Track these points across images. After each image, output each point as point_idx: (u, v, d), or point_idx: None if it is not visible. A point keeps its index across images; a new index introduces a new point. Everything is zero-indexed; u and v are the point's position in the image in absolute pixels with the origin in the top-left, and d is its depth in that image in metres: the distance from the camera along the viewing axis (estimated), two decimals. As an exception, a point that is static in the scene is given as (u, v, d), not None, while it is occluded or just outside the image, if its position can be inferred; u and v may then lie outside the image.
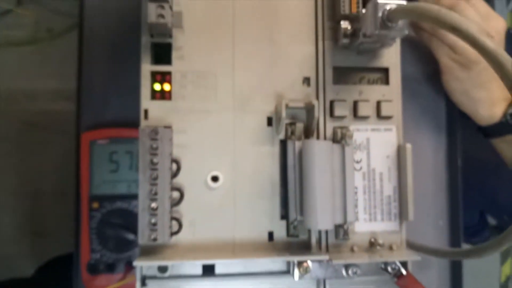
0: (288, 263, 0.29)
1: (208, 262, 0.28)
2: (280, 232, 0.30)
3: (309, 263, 0.28)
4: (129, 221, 0.45)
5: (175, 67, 0.30)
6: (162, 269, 0.27)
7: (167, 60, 0.30)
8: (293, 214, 0.29)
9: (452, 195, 0.47)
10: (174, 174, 0.29)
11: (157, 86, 0.29)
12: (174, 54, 0.30)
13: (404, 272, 0.29)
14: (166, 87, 0.30)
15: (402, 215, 0.31)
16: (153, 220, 0.27)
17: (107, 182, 0.45)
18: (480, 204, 0.64)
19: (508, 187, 0.58)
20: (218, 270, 0.28)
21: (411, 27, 0.44)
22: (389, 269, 0.29)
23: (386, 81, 0.31)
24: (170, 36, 0.29)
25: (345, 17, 0.29)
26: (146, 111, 0.29)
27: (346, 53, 0.31)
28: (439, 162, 0.47)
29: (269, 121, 0.30)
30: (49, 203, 1.01)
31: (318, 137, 0.30)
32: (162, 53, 0.30)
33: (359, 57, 0.31)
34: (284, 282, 0.29)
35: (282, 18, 0.31)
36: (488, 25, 0.41)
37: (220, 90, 0.30)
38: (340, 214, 0.28)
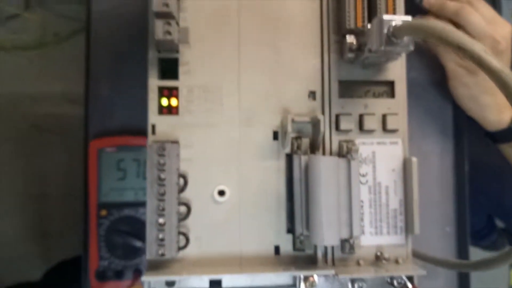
0: (295, 277, 0.29)
1: (215, 277, 0.28)
2: (286, 246, 0.30)
3: (315, 277, 0.28)
4: (137, 228, 0.45)
5: (182, 82, 0.30)
6: (170, 283, 0.28)
7: (174, 75, 0.30)
8: (299, 228, 0.29)
9: (459, 201, 0.47)
10: (181, 189, 0.29)
11: (164, 101, 0.30)
12: (181, 69, 0.30)
13: (410, 286, 0.29)
14: (173, 102, 0.30)
15: (408, 228, 0.31)
16: (160, 236, 0.27)
17: (115, 190, 0.46)
18: (487, 207, 0.64)
19: (515, 191, 0.58)
20: (225, 284, 0.29)
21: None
22: (395, 283, 0.29)
23: (392, 94, 0.31)
24: (177, 51, 0.30)
25: (351, 31, 0.29)
26: (153, 126, 0.30)
27: (352, 66, 0.31)
28: (446, 168, 0.47)
29: (275, 135, 0.30)
30: (56, 205, 1.02)
31: (324, 151, 0.30)
32: (169, 68, 0.30)
33: (364, 70, 0.31)
34: (290, 296, 0.29)
35: (287, 32, 0.31)
36: (494, 30, 0.41)
37: (226, 104, 0.30)
38: (346, 229, 0.29)
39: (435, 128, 0.47)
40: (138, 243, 0.44)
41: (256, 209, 0.30)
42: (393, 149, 0.31)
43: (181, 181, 0.29)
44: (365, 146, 0.31)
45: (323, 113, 0.31)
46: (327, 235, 0.27)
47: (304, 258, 0.30)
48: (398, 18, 0.25)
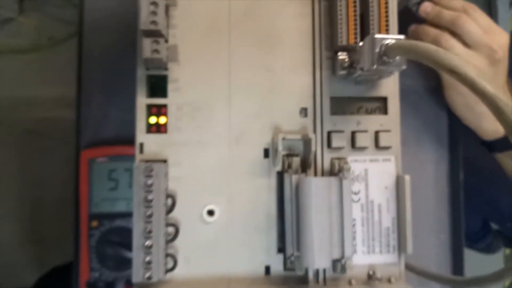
0: (285, 299, 0.28)
1: (204, 299, 0.27)
2: (277, 265, 0.29)
3: (306, 299, 0.27)
4: (128, 239, 0.45)
5: (170, 99, 0.29)
6: (158, 306, 0.27)
7: (163, 93, 0.29)
8: (290, 249, 0.28)
9: (454, 209, 0.47)
10: (169, 210, 0.28)
11: (152, 119, 0.29)
12: (170, 87, 0.29)
13: (403, 307, 0.28)
14: (162, 120, 0.29)
15: (401, 247, 0.30)
16: (147, 259, 0.27)
17: (106, 200, 0.45)
18: (482, 211, 0.64)
19: (510, 195, 0.58)
20: (214, 306, 0.28)
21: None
22: (388, 304, 0.28)
23: (385, 111, 0.31)
24: (166, 68, 0.29)
25: (343, 48, 0.29)
26: (141, 145, 0.29)
27: (344, 83, 0.30)
28: (441, 176, 0.47)
29: (266, 153, 0.30)
30: (50, 210, 1.01)
31: (315, 169, 0.30)
32: (158, 85, 0.29)
33: (357, 86, 0.31)
34: (281, 317, 0.28)
35: (278, 48, 0.30)
36: (490, 39, 0.41)
37: (216, 122, 0.30)
38: (337, 249, 0.28)
39: (430, 136, 0.47)
40: (129, 254, 0.44)
41: (246, 229, 0.29)
42: (386, 166, 0.31)
43: (169, 201, 0.29)
44: (357, 164, 0.30)
45: (314, 130, 0.30)
46: (318, 257, 0.26)
47: (295, 278, 0.29)
48: (391, 37, 0.25)
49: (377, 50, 0.25)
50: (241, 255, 0.29)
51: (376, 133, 0.30)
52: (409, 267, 0.32)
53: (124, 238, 0.44)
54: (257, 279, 0.29)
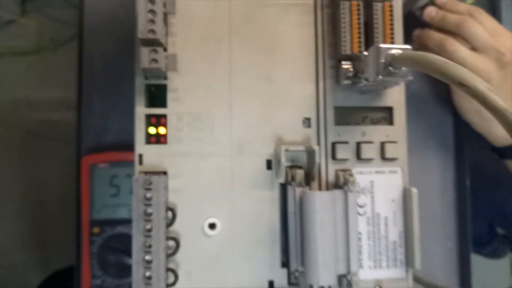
0: (289, 315, 0.28)
1: (205, 316, 0.27)
2: (281, 280, 0.29)
3: (310, 315, 0.26)
4: (130, 246, 0.44)
5: (170, 109, 0.29)
6: (157, 323, 0.26)
7: (162, 102, 0.29)
8: (294, 264, 0.27)
9: (461, 216, 0.46)
10: (170, 223, 0.28)
11: (152, 130, 0.28)
12: (170, 96, 0.29)
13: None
14: (161, 130, 0.28)
15: (408, 261, 0.29)
16: (147, 274, 0.26)
17: (107, 207, 0.45)
18: (488, 215, 0.63)
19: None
20: (215, 322, 0.27)
21: (416, 45, 0.43)
22: (394, 320, 0.27)
23: (391, 121, 0.30)
24: (165, 77, 0.28)
25: (347, 57, 0.28)
26: (140, 156, 0.28)
27: (348, 92, 0.30)
28: (447, 182, 0.47)
29: (269, 164, 0.29)
30: (53, 212, 1.01)
31: (320, 181, 0.29)
32: (157, 95, 0.29)
33: (361, 96, 0.30)
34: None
35: (280, 56, 0.29)
36: (498, 42, 0.40)
37: (217, 132, 0.29)
38: (343, 264, 0.27)
39: (435, 141, 0.47)
40: (131, 261, 0.43)
41: (249, 242, 0.29)
42: (393, 178, 0.30)
43: (169, 214, 0.28)
44: (363, 176, 0.29)
45: (318, 141, 0.29)
46: (323, 274, 0.25)
47: (299, 294, 0.29)
48: (397, 47, 0.24)
49: (382, 60, 0.24)
50: (244, 269, 0.28)
51: (382, 144, 0.30)
52: (417, 279, 0.31)
53: (126, 245, 0.44)
54: (260, 294, 0.28)
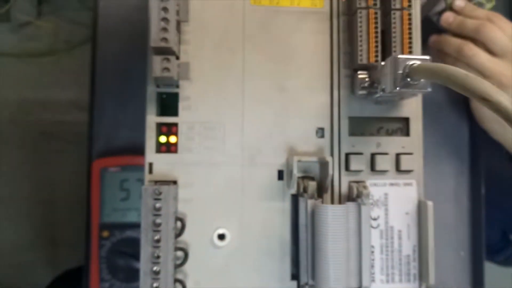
0: (299, 330, 0.27)
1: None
2: (290, 293, 0.28)
3: (321, 331, 0.26)
4: (139, 250, 0.44)
5: (181, 118, 0.28)
6: (165, 335, 0.26)
7: (174, 111, 0.28)
8: (304, 277, 0.27)
9: (475, 225, 0.45)
10: (179, 233, 0.27)
11: (162, 139, 0.28)
12: (181, 105, 0.28)
13: None
14: (172, 139, 0.28)
15: (422, 277, 0.28)
16: (155, 285, 0.25)
17: (117, 210, 0.45)
18: (502, 222, 0.62)
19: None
20: (224, 335, 0.27)
21: (433, 50, 0.42)
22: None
23: (407, 132, 0.29)
24: (177, 86, 0.28)
25: (363, 67, 0.27)
26: (151, 165, 0.28)
27: (363, 102, 0.29)
28: (461, 190, 0.46)
29: (280, 175, 0.29)
30: (63, 212, 1.02)
31: (332, 193, 0.28)
32: (168, 104, 0.28)
33: (377, 106, 0.29)
34: None
35: (294, 65, 0.29)
36: None
37: (228, 142, 0.28)
38: (355, 278, 0.27)
39: (450, 149, 0.46)
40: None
41: (259, 254, 0.28)
42: (407, 191, 0.29)
43: (178, 224, 0.27)
44: (377, 188, 0.29)
45: (332, 152, 0.29)
46: (334, 289, 0.25)
47: (310, 308, 0.28)
48: (415, 58, 0.23)
49: (400, 71, 0.23)
50: (253, 281, 0.28)
51: (397, 156, 0.29)
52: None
53: (135, 249, 0.43)
54: (269, 308, 0.28)
